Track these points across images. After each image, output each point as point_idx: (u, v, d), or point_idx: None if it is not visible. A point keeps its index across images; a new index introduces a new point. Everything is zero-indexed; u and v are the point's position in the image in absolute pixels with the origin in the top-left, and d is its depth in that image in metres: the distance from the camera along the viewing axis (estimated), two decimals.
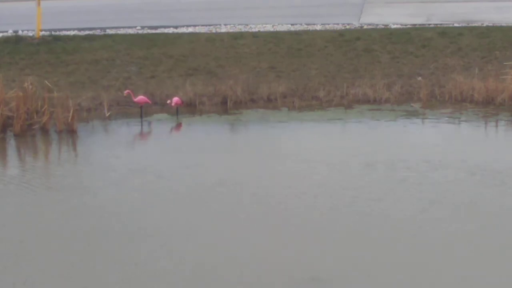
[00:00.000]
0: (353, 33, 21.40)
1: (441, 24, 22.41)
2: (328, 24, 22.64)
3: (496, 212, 11.98)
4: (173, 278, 10.31)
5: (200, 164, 14.37)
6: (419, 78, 18.64)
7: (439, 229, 11.43)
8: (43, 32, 21.83)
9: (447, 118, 16.73)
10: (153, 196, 12.98)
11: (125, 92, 17.25)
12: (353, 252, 10.85)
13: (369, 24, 22.61)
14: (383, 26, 22.31)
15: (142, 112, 17.24)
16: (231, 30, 22.38)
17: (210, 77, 18.94)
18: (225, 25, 22.89)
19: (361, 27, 22.41)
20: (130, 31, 22.68)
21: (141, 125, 16.91)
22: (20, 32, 22.49)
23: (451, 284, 10.01)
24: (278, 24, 22.76)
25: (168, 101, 17.15)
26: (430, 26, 22.19)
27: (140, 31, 22.61)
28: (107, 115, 17.27)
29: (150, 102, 17.41)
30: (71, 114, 16.44)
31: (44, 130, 16.53)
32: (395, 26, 22.24)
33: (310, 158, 14.43)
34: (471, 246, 10.96)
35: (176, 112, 17.32)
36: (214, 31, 22.42)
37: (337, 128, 16.44)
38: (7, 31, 22.71)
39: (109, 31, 22.59)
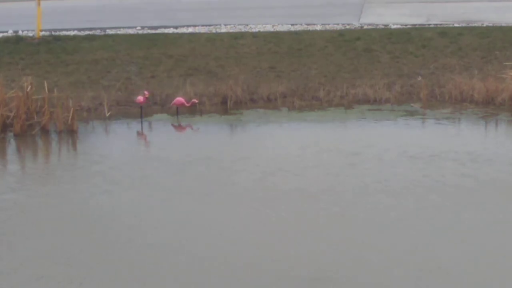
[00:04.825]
0: (353, 33, 21.39)
1: (441, 24, 22.39)
2: (328, 24, 22.63)
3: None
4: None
5: (200, 164, 14.38)
6: (419, 78, 18.63)
7: (439, 226, 11.48)
8: (43, 32, 21.82)
9: (447, 118, 16.73)
10: (153, 195, 13.00)
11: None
12: (360, 250, 10.89)
13: (369, 24, 22.60)
14: (383, 26, 22.30)
15: (142, 112, 17.25)
16: (231, 30, 22.37)
17: (210, 77, 18.94)
18: (225, 25, 22.87)
19: (361, 27, 22.40)
20: (130, 31, 22.67)
21: (141, 125, 16.90)
22: (20, 32, 22.48)
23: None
24: (278, 24, 22.74)
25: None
26: (430, 26, 22.18)
27: (140, 31, 22.60)
28: (107, 115, 17.27)
29: (150, 102, 17.55)
30: (71, 114, 16.44)
31: (44, 130, 16.52)
32: (395, 26, 22.22)
33: (311, 158, 14.45)
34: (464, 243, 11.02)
35: (176, 112, 17.33)
36: (214, 31, 22.41)
37: (337, 128, 16.43)
38: (7, 31, 22.71)
39: (109, 31, 22.58)
